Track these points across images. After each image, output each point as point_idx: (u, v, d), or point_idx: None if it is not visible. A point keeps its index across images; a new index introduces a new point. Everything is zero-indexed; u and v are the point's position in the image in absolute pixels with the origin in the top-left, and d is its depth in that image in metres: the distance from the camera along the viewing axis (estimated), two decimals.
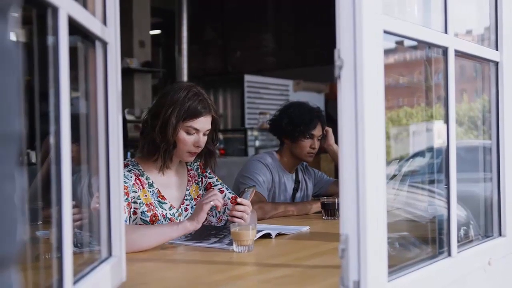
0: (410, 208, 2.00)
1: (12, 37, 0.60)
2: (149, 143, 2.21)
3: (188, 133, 2.20)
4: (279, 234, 2.20)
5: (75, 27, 1.12)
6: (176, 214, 2.28)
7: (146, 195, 2.20)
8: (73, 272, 1.06)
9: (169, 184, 2.31)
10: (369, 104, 1.17)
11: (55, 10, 1.01)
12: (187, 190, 2.36)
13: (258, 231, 2.05)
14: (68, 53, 1.05)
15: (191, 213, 2.31)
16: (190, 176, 2.40)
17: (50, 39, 1.03)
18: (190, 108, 2.18)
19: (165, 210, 2.24)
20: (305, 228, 2.37)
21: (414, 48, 1.74)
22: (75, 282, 1.10)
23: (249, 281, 1.56)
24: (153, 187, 2.24)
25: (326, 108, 7.98)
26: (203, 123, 2.22)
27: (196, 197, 2.38)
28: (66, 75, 1.04)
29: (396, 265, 1.34)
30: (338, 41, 1.19)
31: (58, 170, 1.02)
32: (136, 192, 2.15)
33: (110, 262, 1.35)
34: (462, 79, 2.00)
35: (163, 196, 2.25)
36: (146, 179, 2.24)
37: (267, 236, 2.12)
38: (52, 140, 1.02)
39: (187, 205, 2.35)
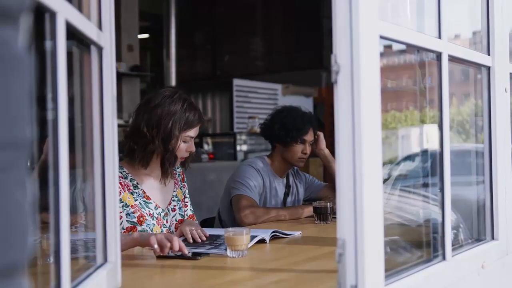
0: (402, 212, 2.01)
1: (23, 43, 0.60)
2: (149, 153, 2.26)
3: (185, 141, 2.30)
4: (274, 237, 2.20)
5: (71, 32, 1.12)
6: (163, 214, 2.34)
7: (129, 198, 2.24)
8: (70, 278, 1.05)
9: (155, 186, 2.36)
10: (366, 108, 1.18)
11: (53, 15, 1.00)
12: (174, 191, 2.43)
13: (252, 237, 2.05)
14: (66, 57, 1.04)
15: (179, 213, 2.41)
16: (176, 179, 2.48)
17: (47, 44, 1.02)
18: (189, 119, 2.28)
19: (151, 209, 2.29)
20: (298, 233, 2.37)
21: (402, 52, 1.75)
22: None
23: (244, 286, 1.56)
24: (138, 188, 2.29)
25: (315, 112, 8.00)
26: (197, 130, 2.34)
27: (181, 199, 2.46)
28: (64, 79, 1.03)
29: (392, 269, 1.34)
30: (335, 46, 1.19)
31: (55, 175, 1.01)
32: None
33: (105, 268, 1.34)
34: (450, 82, 2.01)
35: (148, 196, 2.30)
36: (131, 181, 2.29)
37: (261, 241, 2.12)
38: (50, 144, 1.01)
39: (174, 205, 2.42)
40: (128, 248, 1.96)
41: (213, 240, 2.14)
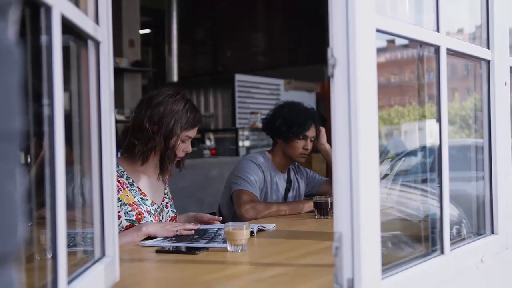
0: (402, 207, 2.00)
1: (12, 36, 0.60)
2: (150, 150, 2.29)
3: (183, 141, 2.34)
4: (260, 230, 2.26)
5: (67, 26, 1.12)
6: (158, 210, 2.38)
7: (128, 195, 2.28)
8: (67, 272, 1.06)
9: (149, 183, 2.39)
10: (362, 102, 1.17)
11: (48, 9, 1.00)
12: (165, 189, 2.49)
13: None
14: (62, 52, 1.04)
15: (171, 210, 2.47)
16: (167, 178, 2.51)
17: (43, 38, 1.02)
18: (190, 119, 2.32)
19: (148, 206, 2.32)
20: (272, 226, 2.40)
21: (405, 46, 1.75)
22: (69, 282, 1.10)
23: (243, 281, 1.56)
24: (134, 186, 2.32)
25: (317, 107, 8.00)
26: (195, 131, 2.38)
27: (170, 197, 2.52)
28: (60, 74, 1.03)
29: (390, 263, 1.34)
30: (331, 39, 1.19)
31: (52, 171, 1.01)
32: None
33: (103, 262, 1.34)
34: (453, 77, 2.00)
35: (144, 193, 2.34)
36: (126, 179, 2.32)
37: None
38: (46, 141, 1.01)
39: (166, 202, 2.47)
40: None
41: (203, 234, 2.15)
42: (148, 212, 2.29)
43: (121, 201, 2.23)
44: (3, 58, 0.57)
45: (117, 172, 2.28)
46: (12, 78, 0.58)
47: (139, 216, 2.25)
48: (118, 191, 2.22)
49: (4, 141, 0.58)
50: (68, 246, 1.14)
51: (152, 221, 2.29)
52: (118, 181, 2.25)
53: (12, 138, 0.59)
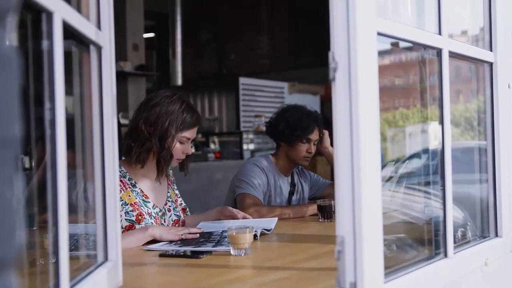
0: (407, 210, 2.00)
1: (11, 42, 0.60)
2: (146, 151, 2.29)
3: (181, 142, 2.33)
4: (262, 234, 2.24)
5: (69, 32, 1.12)
6: (160, 214, 2.38)
7: (129, 196, 2.28)
8: (70, 276, 1.06)
9: (151, 186, 2.39)
10: (363, 106, 1.17)
11: (49, 14, 1.00)
12: (168, 192, 2.48)
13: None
14: (63, 57, 1.05)
15: (174, 214, 2.45)
16: (170, 181, 2.52)
17: (44, 43, 1.03)
18: (186, 119, 2.31)
19: (150, 208, 2.33)
20: (274, 221, 2.43)
21: (409, 49, 1.75)
22: (71, 287, 1.10)
23: (246, 284, 1.56)
24: (136, 187, 2.33)
25: (322, 110, 7.99)
26: (194, 132, 2.37)
27: (174, 200, 2.50)
28: (61, 79, 1.04)
29: (392, 266, 1.34)
30: (332, 43, 1.19)
31: (53, 175, 1.02)
32: None
33: (106, 267, 1.35)
34: (458, 80, 2.00)
35: (146, 195, 2.34)
36: (129, 180, 2.32)
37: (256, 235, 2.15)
38: (47, 145, 1.01)
39: (169, 206, 2.46)
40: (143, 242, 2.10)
41: (208, 238, 2.14)
42: (149, 214, 2.29)
43: (122, 200, 2.23)
44: (1, 64, 0.57)
45: (120, 172, 2.28)
46: (11, 84, 0.58)
47: (139, 217, 2.25)
48: (120, 190, 2.23)
49: (2, 148, 0.58)
50: (70, 249, 1.14)
51: (152, 223, 2.29)
52: (121, 181, 2.26)
53: (11, 144, 0.59)
